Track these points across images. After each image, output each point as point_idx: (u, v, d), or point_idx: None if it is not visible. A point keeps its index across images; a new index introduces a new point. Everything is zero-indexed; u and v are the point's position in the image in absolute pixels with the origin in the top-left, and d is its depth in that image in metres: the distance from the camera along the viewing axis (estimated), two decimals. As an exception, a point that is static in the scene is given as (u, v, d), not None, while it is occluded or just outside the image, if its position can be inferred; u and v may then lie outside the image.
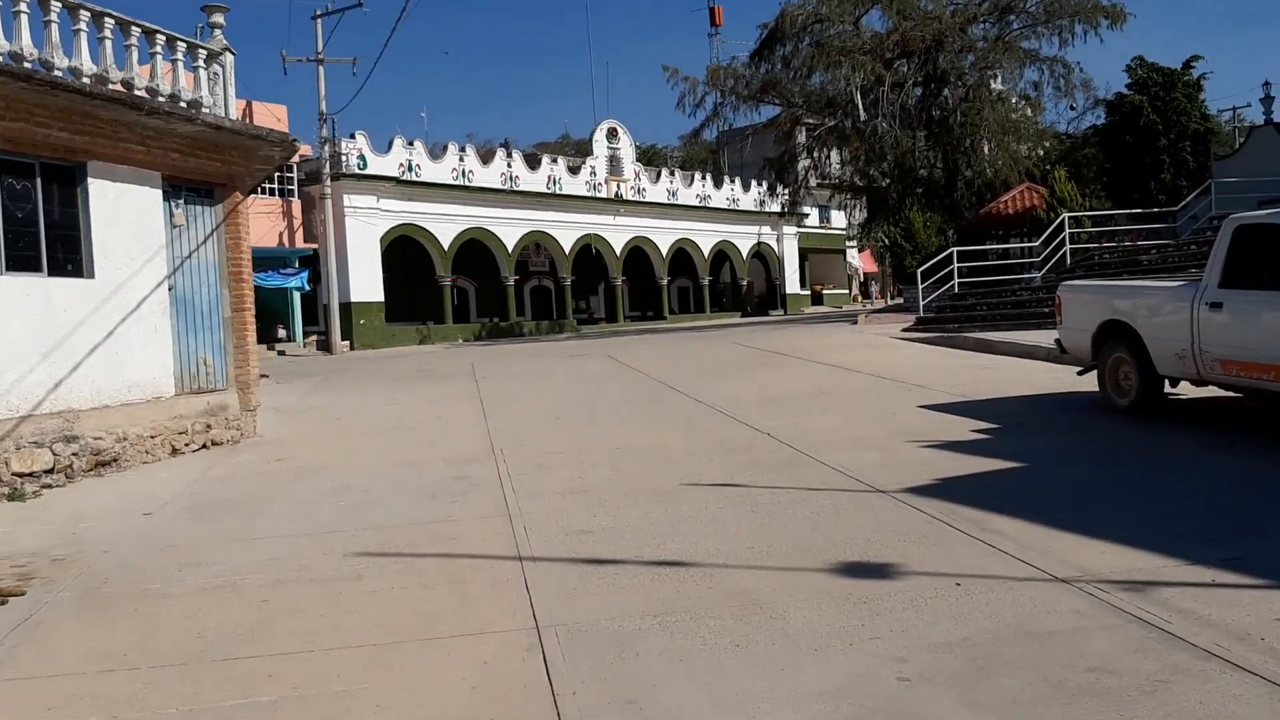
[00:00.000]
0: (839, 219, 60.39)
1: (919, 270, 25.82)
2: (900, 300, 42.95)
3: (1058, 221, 25.34)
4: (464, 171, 39.70)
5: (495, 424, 11.90)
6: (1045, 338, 16.32)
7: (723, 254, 53.70)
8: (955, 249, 25.70)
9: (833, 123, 33.68)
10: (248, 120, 34.72)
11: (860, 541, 6.16)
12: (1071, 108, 33.77)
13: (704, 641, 4.70)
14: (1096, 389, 10.51)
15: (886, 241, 37.73)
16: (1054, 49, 32.67)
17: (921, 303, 25.27)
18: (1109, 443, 8.83)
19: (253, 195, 33.26)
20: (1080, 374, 10.73)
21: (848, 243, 61.97)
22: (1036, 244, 25.76)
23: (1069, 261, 24.84)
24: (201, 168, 11.18)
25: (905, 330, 21.89)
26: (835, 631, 4.71)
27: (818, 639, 4.64)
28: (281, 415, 13.77)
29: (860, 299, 64.27)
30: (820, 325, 29.20)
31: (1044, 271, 24.98)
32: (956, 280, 25.33)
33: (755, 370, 16.03)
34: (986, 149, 33.25)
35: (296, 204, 35.23)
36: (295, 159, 34.70)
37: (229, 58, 12.14)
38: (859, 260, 65.52)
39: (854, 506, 7.03)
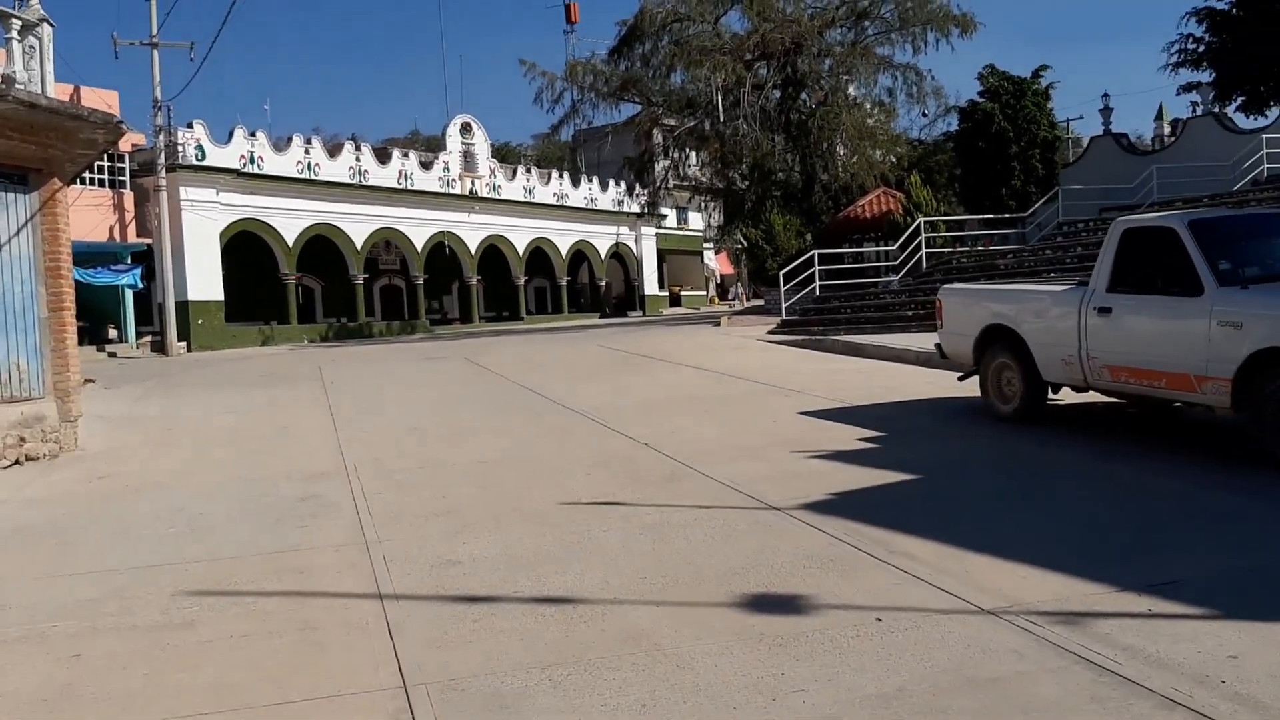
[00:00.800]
0: (696, 221, 60.58)
1: (781, 273, 25.75)
2: (760, 302, 43.17)
3: (914, 225, 25.60)
4: (310, 165, 38.01)
5: (346, 434, 10.98)
6: (912, 341, 16.26)
7: (581, 254, 53.11)
8: (816, 251, 25.70)
9: (693, 123, 33.43)
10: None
11: (764, 569, 5.60)
12: (924, 114, 34.41)
13: (603, 700, 4.04)
14: (976, 394, 10.29)
15: (745, 243, 37.74)
16: (907, 56, 33.24)
17: (784, 305, 25.20)
18: (1000, 452, 8.54)
19: (79, 186, 31.12)
20: (961, 379, 10.49)
21: (705, 244, 62.18)
22: (894, 248, 26.00)
23: (925, 265, 25.13)
24: (14, 151, 9.94)
25: (770, 333, 21.67)
26: (753, 683, 4.12)
27: (734, 694, 4.04)
28: (108, 425, 12.50)
29: (717, 300, 64.57)
30: (683, 327, 28.86)
31: (901, 275, 25.21)
32: (818, 283, 25.34)
33: (624, 374, 15.45)
34: (843, 153, 33.55)
35: (129, 196, 33.04)
36: (128, 148, 32.61)
37: (47, 29, 10.90)
38: (716, 262, 65.85)
39: (750, 527, 6.48)
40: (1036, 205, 27.59)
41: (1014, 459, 8.25)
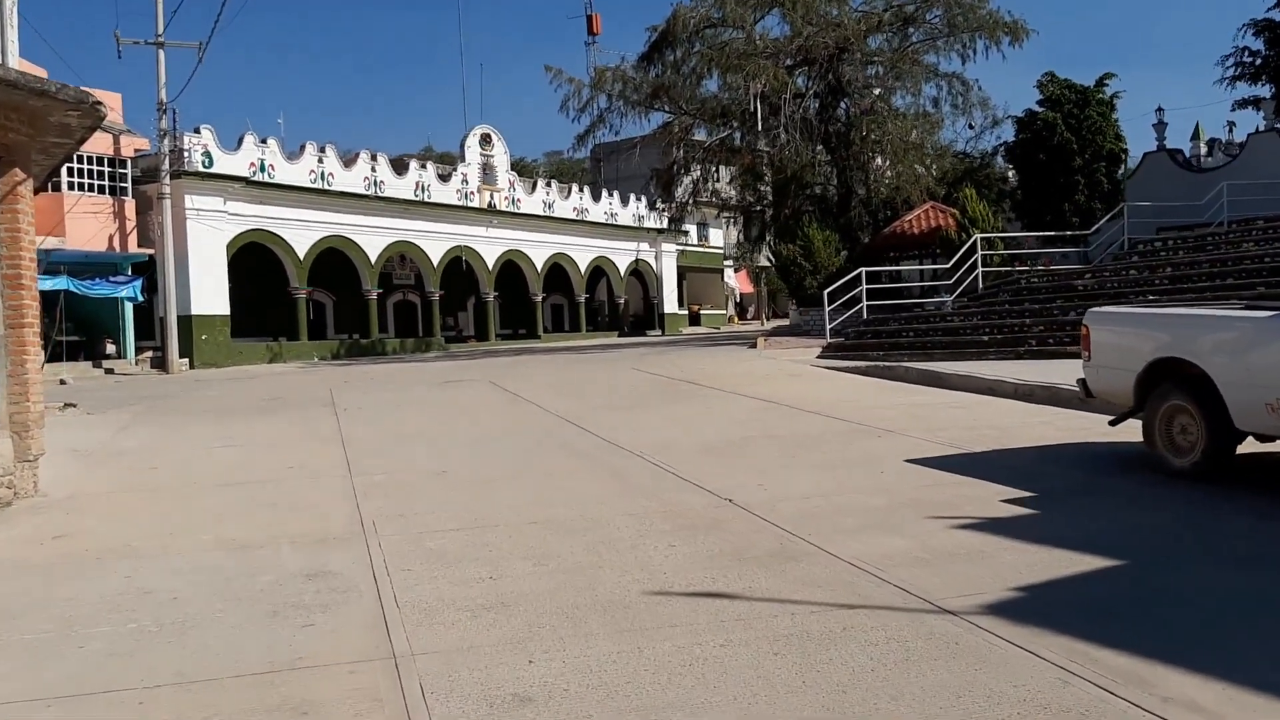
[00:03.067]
0: (717, 237, 58.90)
1: (825, 291, 23.98)
2: (789, 321, 41.37)
3: (970, 242, 23.83)
4: (323, 174, 36.41)
5: (363, 480, 9.18)
6: (1001, 371, 14.46)
7: (599, 270, 51.43)
8: (864, 269, 23.93)
9: (725, 133, 31.71)
10: (75, 108, 30.74)
11: (992, 732, 3.77)
12: (970, 126, 32.69)
13: None
14: (1118, 439, 8.49)
15: (774, 261, 35.87)
16: (954, 65, 31.64)
17: (828, 326, 23.44)
18: (1205, 526, 6.67)
19: (76, 192, 29.44)
20: (1114, 423, 8.63)
21: (725, 262, 60.46)
22: (948, 266, 24.23)
23: (981, 285, 23.38)
24: (-38, 132, 8.21)
25: (821, 357, 19.86)
26: None
27: None
28: (82, 461, 10.72)
29: (737, 320, 62.84)
30: (716, 349, 27.09)
31: (955, 296, 23.45)
32: (865, 303, 23.58)
33: (673, 404, 13.63)
34: (881, 165, 31.83)
35: (130, 204, 31.39)
36: (130, 153, 31.00)
37: (12, -7, 9.20)
38: (735, 281, 64.10)
39: (928, 645, 4.64)
40: (1101, 222, 25.76)
41: (1232, 537, 6.38)
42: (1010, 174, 33.04)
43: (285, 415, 14.47)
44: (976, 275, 23.61)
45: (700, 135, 34.20)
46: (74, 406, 14.66)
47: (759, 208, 35.13)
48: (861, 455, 9.34)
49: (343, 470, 9.74)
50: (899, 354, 18.18)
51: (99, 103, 8.77)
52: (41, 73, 29.72)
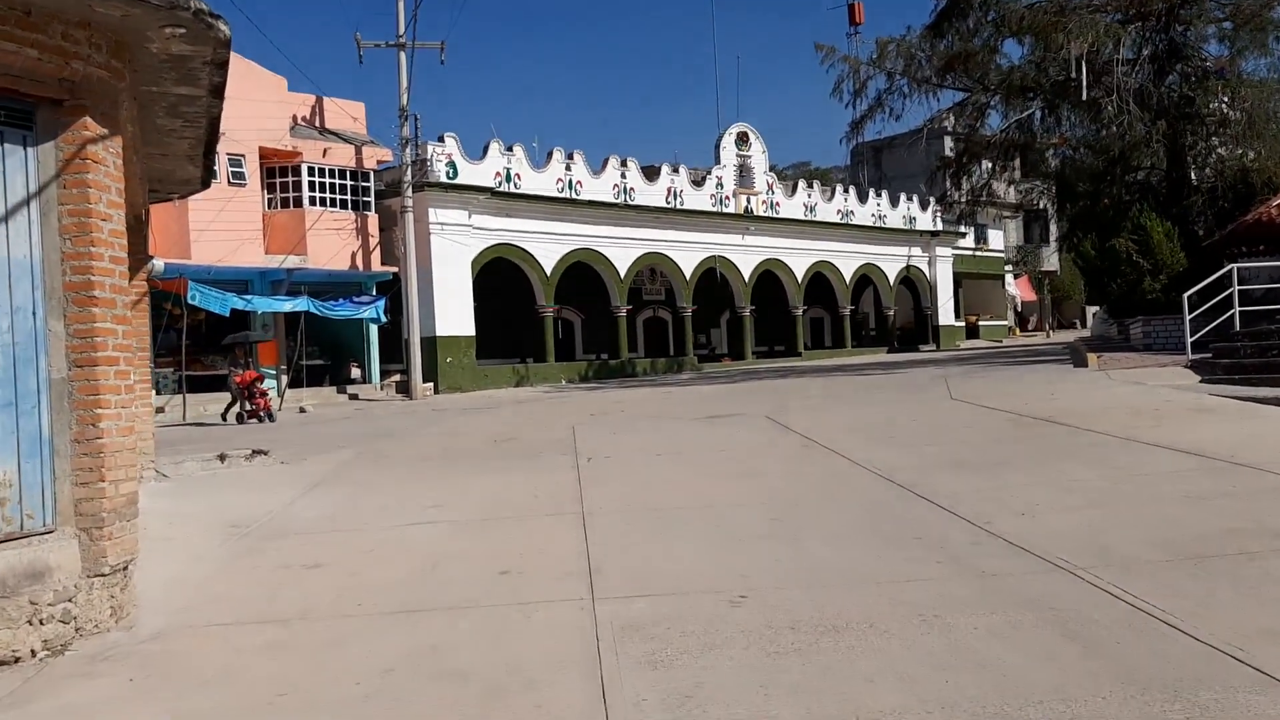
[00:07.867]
0: (996, 239, 53.13)
1: (1185, 295, 18.90)
2: (1090, 333, 35.61)
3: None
4: (570, 182, 33.84)
5: (611, 612, 5.54)
6: None
7: (865, 279, 46.87)
8: (1236, 265, 18.72)
9: (1029, 111, 26.77)
10: (318, 121, 29.36)
11: None
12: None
13: None
14: None
15: (1082, 263, 30.30)
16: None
17: (1189, 339, 18.36)
18: None
19: (317, 207, 27.77)
20: None
21: (1005, 268, 54.51)
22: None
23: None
24: (-4, 61, 5.21)
25: (1205, 381, 15.01)
26: None
27: None
28: (228, 549, 7.66)
29: (1018, 332, 56.65)
30: (1025, 367, 22.32)
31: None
32: (1238, 309, 18.36)
33: (1051, 460, 9.38)
34: (1229, 142, 26.08)
35: (374, 219, 29.64)
36: (373, 165, 29.24)
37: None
38: (1016, 288, 57.88)
39: None
40: None
41: None
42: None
43: (514, 466, 11.20)
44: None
45: (994, 119, 29.41)
46: (264, 454, 11.96)
47: (1070, 195, 29.62)
48: None
49: (581, 582, 6.18)
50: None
51: (206, 11, 5.60)
52: (280, 81, 28.49)
